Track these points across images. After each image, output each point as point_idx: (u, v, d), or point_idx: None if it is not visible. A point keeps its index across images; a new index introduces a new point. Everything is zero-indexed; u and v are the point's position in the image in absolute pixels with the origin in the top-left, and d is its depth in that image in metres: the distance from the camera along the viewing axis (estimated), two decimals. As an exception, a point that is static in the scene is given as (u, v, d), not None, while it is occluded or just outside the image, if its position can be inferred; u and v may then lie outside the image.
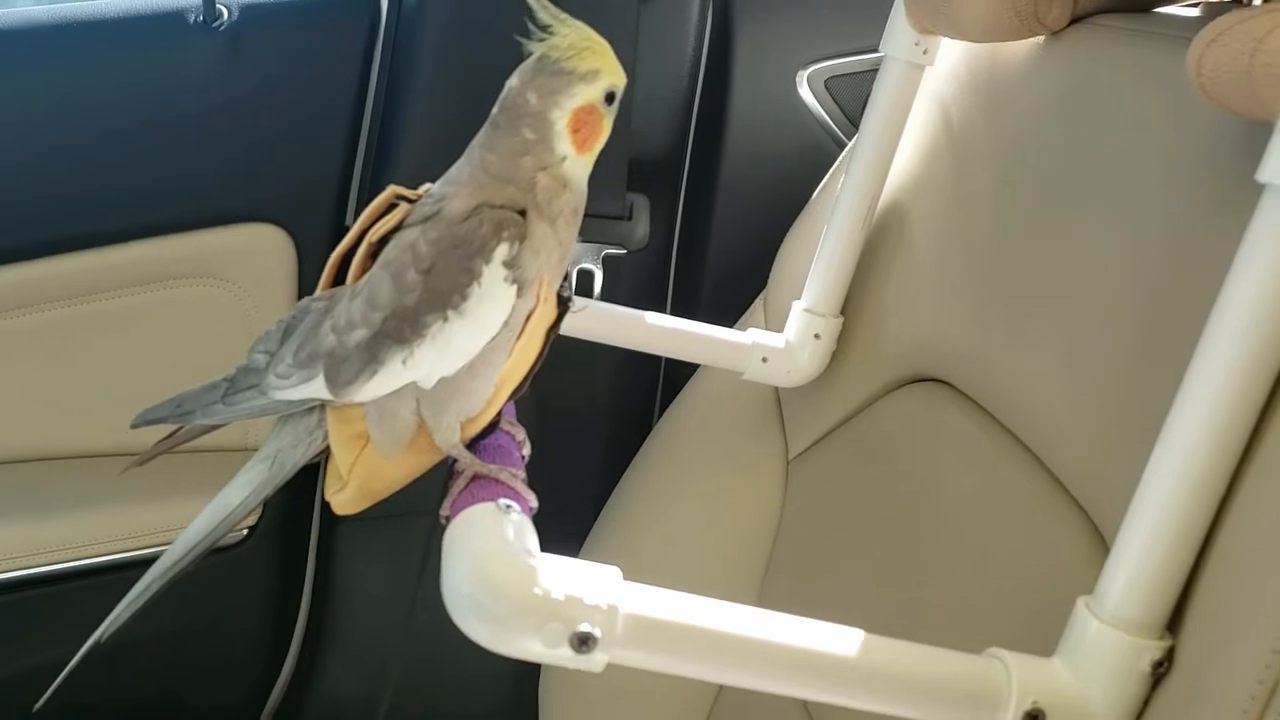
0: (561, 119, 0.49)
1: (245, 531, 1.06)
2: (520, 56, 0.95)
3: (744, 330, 0.81)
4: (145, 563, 1.00)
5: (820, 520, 0.81)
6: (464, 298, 0.47)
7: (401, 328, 0.47)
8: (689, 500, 0.89)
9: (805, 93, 1.01)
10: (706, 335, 0.79)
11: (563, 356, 0.77)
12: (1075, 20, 0.66)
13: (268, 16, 1.02)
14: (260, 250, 1.04)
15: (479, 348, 0.48)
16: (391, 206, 0.52)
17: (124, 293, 1.03)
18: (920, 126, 0.78)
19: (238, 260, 1.04)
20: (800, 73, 1.00)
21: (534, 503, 0.49)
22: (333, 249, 1.06)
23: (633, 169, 0.99)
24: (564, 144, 0.49)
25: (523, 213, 0.49)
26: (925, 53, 0.74)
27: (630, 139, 0.97)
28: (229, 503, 0.52)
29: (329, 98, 1.03)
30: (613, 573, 0.41)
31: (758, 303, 0.92)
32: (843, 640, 0.43)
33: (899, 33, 0.74)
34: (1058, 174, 0.62)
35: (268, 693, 1.15)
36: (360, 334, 0.48)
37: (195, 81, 1.00)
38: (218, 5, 0.99)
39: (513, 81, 0.50)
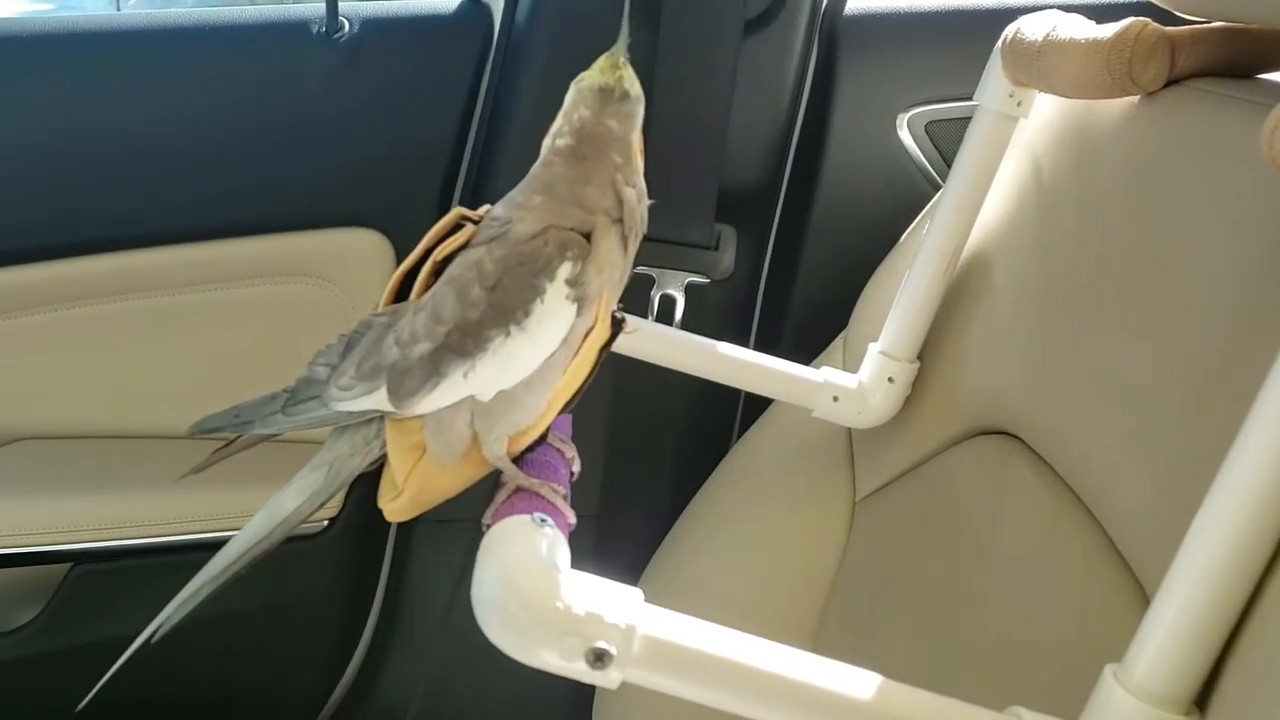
0: (637, 139, 0.52)
1: (325, 522, 1.10)
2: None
3: (820, 368, 0.81)
4: (208, 546, 1.07)
5: (880, 563, 0.80)
6: (527, 314, 0.49)
7: (464, 341, 0.49)
8: (753, 531, 0.90)
9: (905, 135, 1.01)
10: (778, 370, 0.79)
11: (645, 381, 0.80)
12: (1173, 82, 0.65)
13: (386, 30, 1.06)
14: (361, 253, 1.08)
15: (538, 363, 0.50)
16: (457, 228, 0.54)
17: (231, 285, 1.08)
18: (1011, 176, 0.77)
19: (339, 261, 1.09)
20: (901, 115, 1.00)
21: (572, 519, 0.50)
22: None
23: (723, 199, 1.00)
24: (639, 160, 0.52)
25: (587, 236, 0.50)
26: (1019, 105, 0.74)
27: (721, 169, 0.98)
28: (284, 508, 0.54)
29: (438, 110, 1.07)
30: (634, 594, 0.42)
31: (838, 342, 0.92)
32: (857, 682, 0.43)
33: (994, 84, 0.74)
34: (1137, 237, 0.61)
35: (336, 681, 1.18)
36: (424, 347, 0.50)
37: (313, 88, 1.04)
38: (340, 18, 1.03)
39: (583, 113, 0.51)
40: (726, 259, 1.01)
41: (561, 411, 0.53)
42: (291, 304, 1.09)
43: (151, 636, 0.56)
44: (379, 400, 0.51)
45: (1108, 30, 0.64)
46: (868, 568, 0.82)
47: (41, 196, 1.02)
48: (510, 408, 0.50)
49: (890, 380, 0.80)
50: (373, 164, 1.07)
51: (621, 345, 0.78)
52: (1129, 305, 0.61)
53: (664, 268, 1.00)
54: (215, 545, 1.05)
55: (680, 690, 0.42)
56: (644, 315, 1.00)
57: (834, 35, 1.01)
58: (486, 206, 0.54)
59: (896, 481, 0.82)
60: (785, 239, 1.06)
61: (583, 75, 0.52)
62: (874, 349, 0.81)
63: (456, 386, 0.50)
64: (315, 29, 1.03)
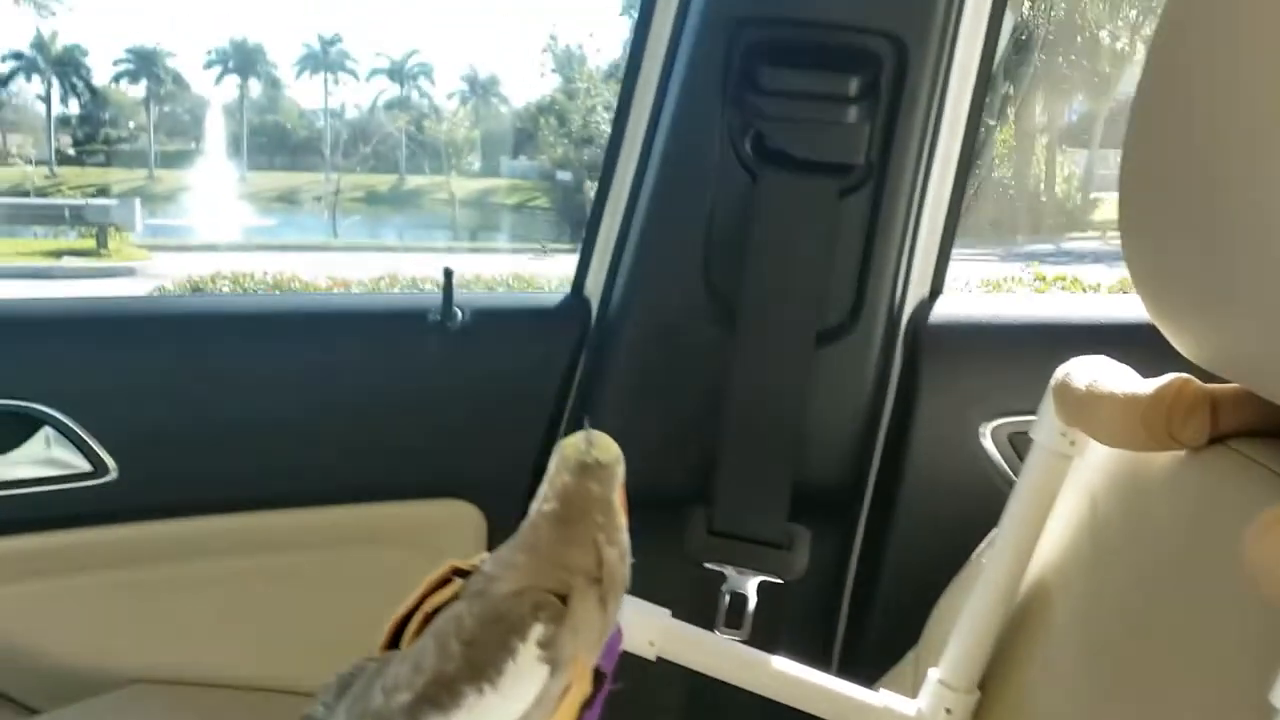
0: (618, 499, 0.55)
1: None
2: (702, 366, 1.00)
3: (881, 690, 0.79)
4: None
5: None
6: (500, 672, 0.50)
7: (440, 695, 0.51)
8: None
9: (989, 445, 1.00)
10: (833, 690, 0.78)
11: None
12: (1218, 439, 0.63)
13: (494, 319, 1.14)
14: (455, 524, 1.13)
15: None
16: (448, 581, 0.56)
17: (336, 549, 1.14)
18: (1069, 511, 0.76)
19: (435, 531, 1.14)
20: (984, 425, 1.00)
21: None
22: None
23: (800, 500, 1.00)
24: (621, 519, 0.55)
25: (564, 598, 0.52)
26: (1073, 444, 0.73)
27: (793, 469, 0.99)
28: None
29: (536, 392, 1.13)
30: None
31: (909, 657, 0.89)
32: None
33: (1047, 422, 0.74)
34: (1168, 603, 0.59)
35: None
36: (404, 697, 0.52)
37: (424, 370, 1.13)
38: (454, 307, 1.11)
39: (565, 479, 0.54)
40: (800, 559, 1.00)
41: None
42: (390, 570, 1.14)
43: None
44: None
45: (1148, 386, 0.64)
46: None
47: (173, 459, 1.12)
48: None
49: (948, 711, 0.77)
50: (471, 440, 1.13)
51: (674, 655, 0.79)
52: (1156, 671, 0.58)
53: (735, 565, 1.00)
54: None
55: None
56: (712, 614, 0.99)
57: (917, 343, 1.03)
58: (483, 556, 0.57)
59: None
60: (870, 544, 1.05)
61: (564, 442, 0.55)
62: (933, 676, 0.78)
63: None
64: (431, 316, 1.12)
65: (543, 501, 0.55)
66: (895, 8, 0.95)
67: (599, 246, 1.13)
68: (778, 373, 0.97)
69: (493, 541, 1.14)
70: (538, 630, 0.51)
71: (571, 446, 0.55)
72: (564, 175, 15.80)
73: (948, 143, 1.01)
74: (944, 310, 1.04)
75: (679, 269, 1.02)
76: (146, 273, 9.91)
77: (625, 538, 0.55)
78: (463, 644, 0.51)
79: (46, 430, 1.09)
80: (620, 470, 0.55)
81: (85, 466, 1.09)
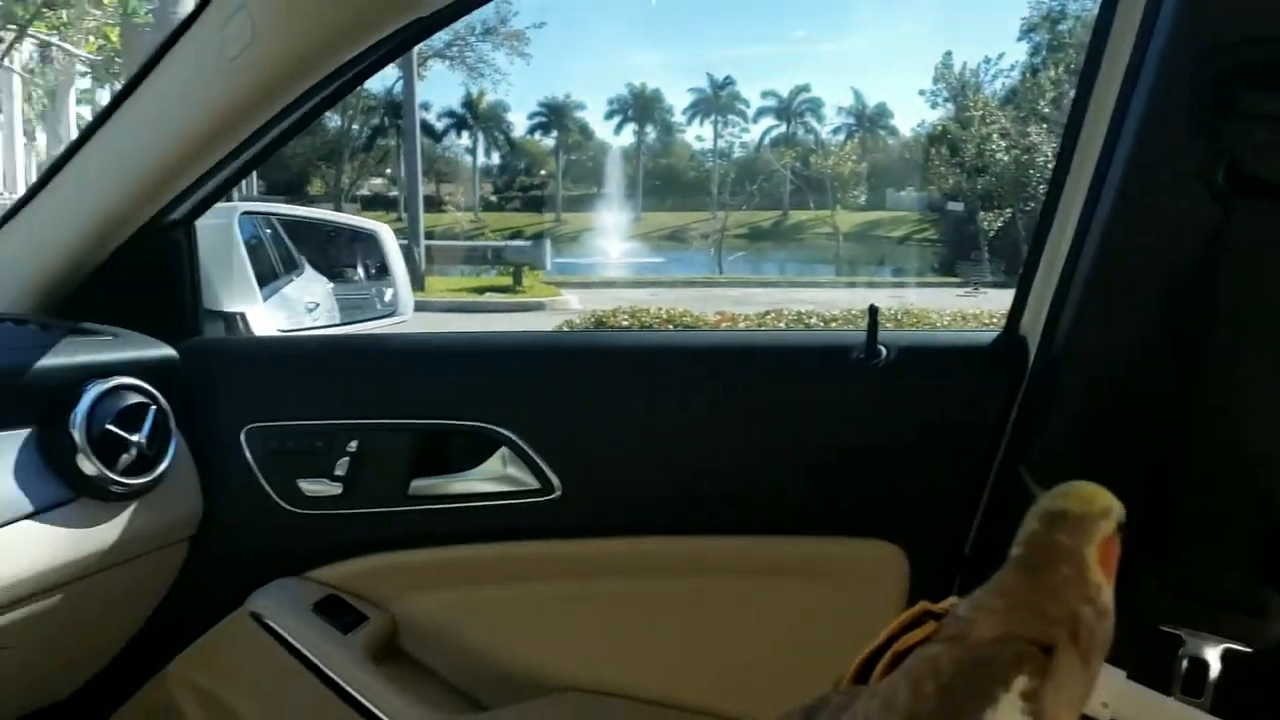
0: (1092, 553, 0.52)
1: None
2: (1155, 410, 0.93)
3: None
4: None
5: None
6: (977, 719, 0.49)
7: None
8: None
9: None
10: None
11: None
12: None
13: (921, 358, 1.12)
14: (878, 563, 1.12)
15: None
16: (920, 621, 0.55)
17: (757, 578, 1.17)
18: None
19: (855, 569, 1.13)
20: None
21: None
22: (948, 574, 1.11)
23: (1269, 561, 0.90)
24: (1097, 575, 0.52)
25: (1048, 650, 0.50)
26: None
27: (1262, 523, 0.89)
28: None
29: (965, 436, 1.09)
30: None
31: None
32: None
33: None
34: None
35: None
36: None
37: (847, 408, 1.13)
38: (878, 345, 1.11)
39: (1034, 526, 0.52)
40: (1273, 627, 0.90)
41: None
42: (809, 604, 1.15)
43: None
44: None
45: None
46: None
47: (610, 482, 1.19)
48: None
49: None
50: (896, 479, 1.11)
51: (1122, 714, 0.73)
52: None
53: (1194, 629, 0.91)
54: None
55: None
56: (1167, 679, 0.91)
57: None
58: (952, 600, 0.56)
59: None
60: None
61: (1058, 490, 0.53)
62: None
63: None
64: (854, 354, 1.12)
65: (1015, 545, 0.54)
66: None
67: (1038, 283, 1.08)
68: (1253, 421, 0.88)
69: (915, 584, 1.12)
70: (1021, 682, 0.49)
71: (1050, 496, 0.53)
72: (954, 206, 15.38)
73: None
74: None
75: (1133, 307, 0.95)
76: (554, 307, 10.75)
77: (1104, 595, 0.52)
78: (939, 687, 0.50)
79: (504, 450, 1.21)
80: (1101, 524, 0.52)
81: (534, 484, 1.19)
